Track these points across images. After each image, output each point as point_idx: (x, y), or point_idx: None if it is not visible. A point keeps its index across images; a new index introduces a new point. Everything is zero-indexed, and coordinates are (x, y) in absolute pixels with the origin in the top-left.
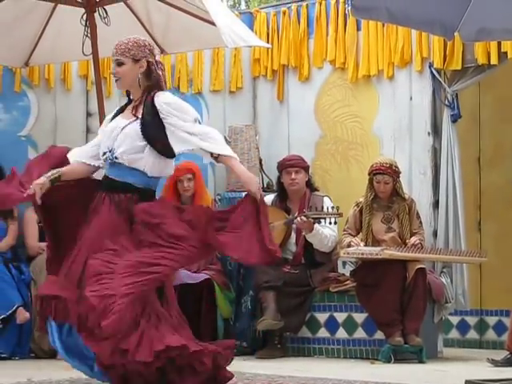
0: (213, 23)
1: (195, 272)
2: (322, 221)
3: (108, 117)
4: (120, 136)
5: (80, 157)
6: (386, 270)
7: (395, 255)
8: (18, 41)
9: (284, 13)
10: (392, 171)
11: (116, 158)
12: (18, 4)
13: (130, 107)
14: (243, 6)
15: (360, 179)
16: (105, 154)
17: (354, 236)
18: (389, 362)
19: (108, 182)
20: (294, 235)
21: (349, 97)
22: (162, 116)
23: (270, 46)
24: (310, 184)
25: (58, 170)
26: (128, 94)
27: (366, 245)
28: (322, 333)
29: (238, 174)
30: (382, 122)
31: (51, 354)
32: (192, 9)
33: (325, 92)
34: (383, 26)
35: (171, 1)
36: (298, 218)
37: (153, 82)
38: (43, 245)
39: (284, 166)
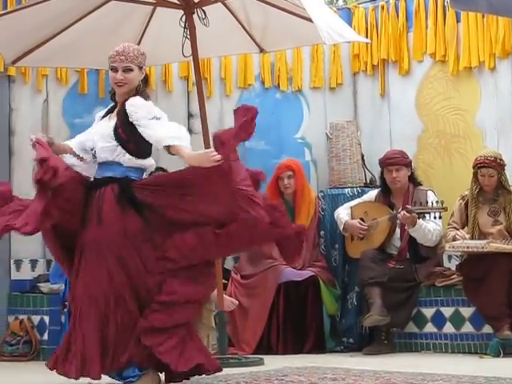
0: (310, 20)
1: (300, 269)
2: (427, 215)
3: (99, 113)
4: (97, 136)
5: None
6: (492, 263)
7: (501, 248)
8: (119, 44)
9: (382, 7)
10: (496, 164)
11: (95, 156)
12: (118, 8)
13: (116, 110)
14: (341, 2)
15: (463, 172)
16: (92, 150)
17: (459, 229)
18: (498, 356)
19: (95, 181)
20: (398, 230)
21: (450, 89)
22: (130, 118)
23: (369, 41)
24: (413, 179)
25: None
26: (113, 97)
27: (472, 238)
28: (429, 328)
29: (187, 160)
30: (484, 113)
31: None
32: (289, 6)
33: (426, 85)
34: (483, 16)
35: None
36: (402, 213)
37: (144, 88)
38: None
39: (385, 163)
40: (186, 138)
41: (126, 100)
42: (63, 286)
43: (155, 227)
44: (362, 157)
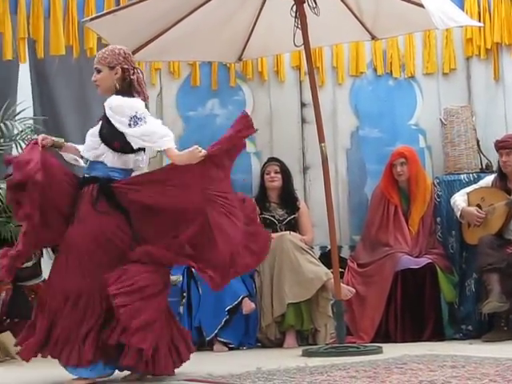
0: (422, 6)
1: (417, 257)
2: None
3: None
4: (88, 137)
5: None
6: None
7: None
8: (231, 36)
9: None
10: None
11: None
12: (230, 0)
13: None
14: None
15: None
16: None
17: None
18: None
19: (82, 179)
20: None
21: None
22: (112, 122)
23: (482, 24)
24: None
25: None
26: None
27: None
28: None
29: (176, 160)
30: None
31: (278, 343)
32: None
33: None
34: None
35: None
36: None
37: (124, 87)
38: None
39: (497, 147)
40: (170, 137)
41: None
42: (181, 278)
43: (137, 225)
44: (478, 142)
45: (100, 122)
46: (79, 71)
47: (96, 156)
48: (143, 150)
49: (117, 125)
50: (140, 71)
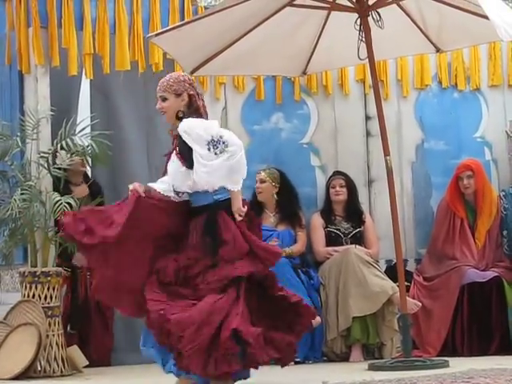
0: (486, 17)
1: (483, 270)
2: None
3: None
4: (170, 177)
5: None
6: None
7: None
8: (295, 50)
9: None
10: None
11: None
12: (293, 14)
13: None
14: None
15: None
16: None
17: None
18: None
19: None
20: None
21: None
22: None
23: None
24: None
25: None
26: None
27: None
28: None
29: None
30: None
31: (343, 357)
32: (464, 4)
33: None
34: None
35: None
36: None
37: (191, 113)
38: (330, 249)
39: None
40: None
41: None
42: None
43: None
44: None
45: (174, 156)
46: (144, 86)
47: (191, 187)
48: None
49: (195, 150)
50: (203, 97)
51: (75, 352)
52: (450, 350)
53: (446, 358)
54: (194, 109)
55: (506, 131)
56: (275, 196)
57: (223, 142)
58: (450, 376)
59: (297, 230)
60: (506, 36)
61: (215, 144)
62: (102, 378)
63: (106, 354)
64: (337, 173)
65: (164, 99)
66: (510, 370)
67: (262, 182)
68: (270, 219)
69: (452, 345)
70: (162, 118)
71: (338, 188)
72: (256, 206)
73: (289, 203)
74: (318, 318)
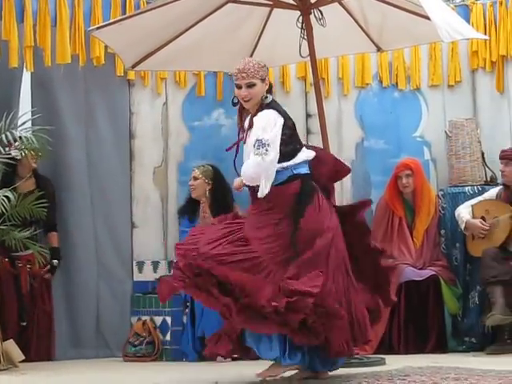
0: (428, 18)
1: (421, 269)
2: None
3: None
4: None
5: None
6: None
7: None
8: (237, 47)
9: (501, 3)
10: None
11: None
12: (235, 11)
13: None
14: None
15: None
16: None
17: None
18: None
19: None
20: None
21: None
22: None
23: (487, 37)
24: None
25: None
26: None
27: None
28: None
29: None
30: None
31: None
32: (406, 5)
33: None
34: None
35: None
36: None
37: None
38: None
39: (499, 158)
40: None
41: (255, 115)
42: None
43: None
44: (482, 154)
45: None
46: (85, 80)
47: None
48: None
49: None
50: None
51: (11, 346)
52: (386, 348)
53: (382, 356)
54: (270, 92)
55: (446, 131)
56: (208, 193)
57: (266, 150)
58: (387, 373)
59: None
60: (447, 37)
61: (260, 145)
62: (37, 372)
63: (48, 348)
64: None
65: (252, 85)
66: (446, 368)
67: (196, 179)
68: (206, 219)
69: (389, 342)
70: (101, 112)
71: None
72: (191, 204)
73: (223, 199)
74: None
